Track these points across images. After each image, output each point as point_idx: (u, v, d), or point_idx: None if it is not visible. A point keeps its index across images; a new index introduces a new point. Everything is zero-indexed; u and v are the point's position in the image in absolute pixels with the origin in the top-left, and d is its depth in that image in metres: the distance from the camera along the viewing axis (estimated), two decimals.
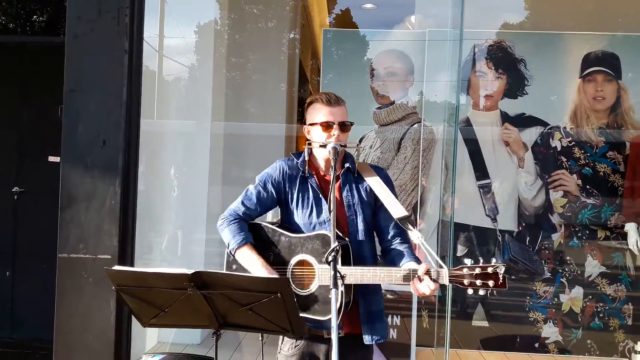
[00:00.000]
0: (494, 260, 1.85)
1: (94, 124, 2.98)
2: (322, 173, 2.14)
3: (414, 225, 2.02)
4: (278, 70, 4.85)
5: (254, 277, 1.79)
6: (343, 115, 2.08)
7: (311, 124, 2.11)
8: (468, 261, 1.83)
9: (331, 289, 1.70)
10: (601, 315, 3.99)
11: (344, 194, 2.11)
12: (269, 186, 2.13)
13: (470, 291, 1.81)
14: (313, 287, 1.98)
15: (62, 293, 2.98)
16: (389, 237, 2.11)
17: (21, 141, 4.39)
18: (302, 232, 2.08)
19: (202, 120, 4.39)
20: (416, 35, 4.29)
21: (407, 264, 1.98)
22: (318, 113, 2.08)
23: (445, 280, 1.85)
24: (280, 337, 2.12)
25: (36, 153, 4.32)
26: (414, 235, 1.97)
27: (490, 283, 1.78)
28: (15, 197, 4.34)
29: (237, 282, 1.71)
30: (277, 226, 2.14)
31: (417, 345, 3.71)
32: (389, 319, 3.73)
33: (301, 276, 2.02)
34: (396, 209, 2.03)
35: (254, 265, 2.02)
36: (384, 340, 2.11)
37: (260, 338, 2.02)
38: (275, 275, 1.98)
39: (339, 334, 1.98)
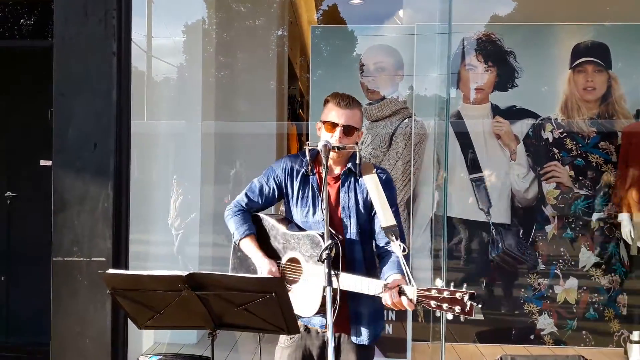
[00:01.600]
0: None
1: (84, 126, 2.96)
2: (328, 174, 2.14)
3: (398, 237, 1.98)
4: (267, 68, 4.84)
5: (249, 278, 1.80)
6: (351, 119, 2.10)
7: (321, 121, 2.16)
8: (439, 282, 1.79)
9: (325, 287, 1.71)
10: (596, 305, 4.02)
11: (342, 195, 2.12)
12: (272, 181, 2.20)
13: (437, 313, 1.77)
14: (298, 285, 2.03)
15: (57, 296, 2.98)
16: (384, 243, 2.11)
17: (12, 146, 4.37)
18: (300, 228, 2.13)
19: (192, 120, 4.38)
20: (405, 30, 4.29)
21: (390, 276, 1.94)
22: (329, 112, 2.12)
23: (413, 297, 1.81)
24: None
25: (27, 157, 4.29)
26: (396, 247, 1.95)
27: (457, 309, 1.71)
28: (8, 201, 4.31)
29: (232, 283, 1.71)
30: (279, 219, 2.20)
31: (413, 340, 3.73)
32: (385, 313, 3.73)
33: (291, 272, 2.07)
34: (385, 217, 2.03)
35: (255, 256, 2.12)
36: (374, 341, 2.12)
37: (258, 336, 2.05)
38: (274, 267, 2.06)
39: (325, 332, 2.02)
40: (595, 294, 4.02)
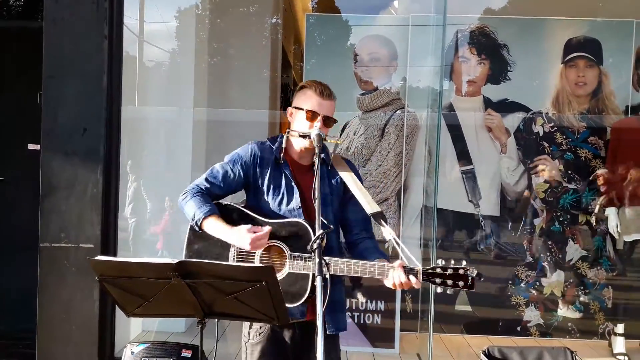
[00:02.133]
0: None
1: (74, 111, 2.93)
2: (295, 160, 2.11)
3: (386, 221, 2.03)
4: (260, 56, 4.80)
5: (239, 266, 1.78)
6: (330, 110, 2.07)
7: (297, 108, 2.08)
8: (440, 261, 1.91)
9: (317, 276, 1.70)
10: (581, 298, 4.07)
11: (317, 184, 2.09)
12: (237, 167, 2.08)
13: (439, 289, 1.90)
14: (282, 274, 1.96)
15: (44, 283, 2.96)
16: (357, 231, 2.13)
17: None
18: (271, 217, 2.04)
19: (184, 106, 4.34)
20: (399, 21, 4.27)
21: (379, 260, 1.96)
22: (307, 100, 2.06)
23: (419, 277, 1.89)
24: (245, 324, 2.10)
25: (15, 141, 4.24)
26: (387, 232, 1.97)
27: (460, 283, 1.87)
28: None
29: (222, 271, 1.70)
30: (246, 207, 2.09)
31: (401, 330, 3.75)
32: (374, 304, 3.76)
33: (271, 261, 2.00)
34: (369, 204, 2.03)
35: (225, 231, 1.96)
36: (342, 331, 2.13)
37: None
38: (254, 228, 1.93)
39: (303, 320, 1.99)
40: (581, 287, 4.07)
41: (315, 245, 1.75)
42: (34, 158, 3.19)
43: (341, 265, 1.93)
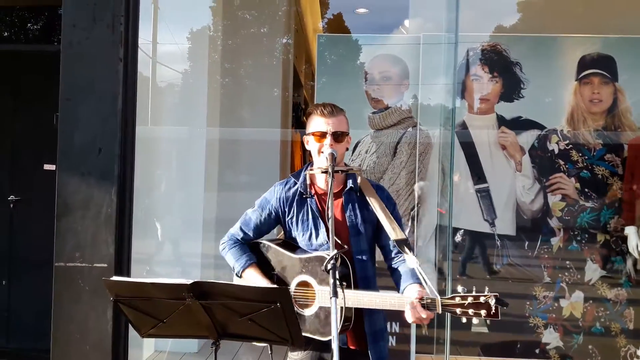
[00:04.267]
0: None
1: (89, 131, 2.96)
2: (321, 192, 2.12)
3: (410, 249, 2.01)
4: (272, 76, 4.84)
5: (254, 287, 1.77)
6: (338, 126, 2.08)
7: (307, 134, 2.13)
8: (460, 289, 1.82)
9: (331, 298, 1.68)
10: (602, 320, 3.98)
11: (347, 213, 2.09)
12: (266, 212, 2.17)
13: (464, 319, 1.81)
14: (313, 309, 1.99)
15: (58, 302, 2.96)
16: (393, 255, 2.10)
17: (16, 149, 4.36)
18: (304, 251, 2.09)
19: (196, 126, 4.38)
20: (410, 40, 4.29)
21: (408, 287, 1.95)
22: (314, 124, 2.10)
23: (438, 309, 1.83)
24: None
25: (31, 161, 4.29)
26: (410, 259, 1.97)
27: (483, 313, 1.76)
28: (11, 205, 4.30)
29: (237, 292, 1.69)
30: (279, 243, 2.15)
31: (416, 352, 3.69)
32: (389, 325, 3.71)
33: (302, 297, 2.03)
34: (395, 230, 2.02)
35: (261, 285, 2.03)
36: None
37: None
38: None
39: (346, 348, 1.97)
40: (602, 308, 3.98)
41: (329, 266, 1.74)
42: (50, 178, 3.22)
43: (364, 298, 1.92)
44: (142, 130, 3.62)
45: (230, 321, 1.75)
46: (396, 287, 2.03)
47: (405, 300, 1.86)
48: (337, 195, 2.11)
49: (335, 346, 1.61)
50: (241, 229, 2.20)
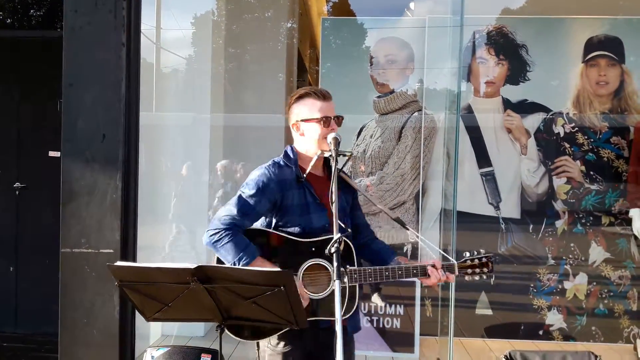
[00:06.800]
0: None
1: (93, 118, 2.96)
2: (311, 172, 2.08)
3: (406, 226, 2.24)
4: (276, 60, 4.81)
5: (258, 271, 1.78)
6: (333, 109, 2.10)
7: (305, 120, 2.07)
8: (466, 254, 2.12)
9: (334, 281, 1.69)
10: (605, 301, 3.99)
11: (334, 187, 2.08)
12: (266, 195, 2.02)
13: (467, 278, 2.11)
14: (329, 290, 2.01)
15: (65, 288, 2.99)
16: (367, 233, 2.25)
17: (21, 137, 4.38)
18: (302, 236, 2.04)
19: (201, 112, 4.37)
20: (416, 23, 4.25)
21: (398, 258, 2.13)
22: (313, 108, 2.06)
23: (455, 271, 2.09)
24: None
25: (36, 148, 4.31)
26: (412, 234, 2.11)
27: (485, 270, 2.10)
28: (17, 192, 4.33)
29: (241, 276, 1.70)
30: (282, 230, 2.07)
31: (421, 334, 3.72)
32: (393, 308, 3.73)
33: (316, 280, 2.02)
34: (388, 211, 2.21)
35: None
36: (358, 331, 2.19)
37: None
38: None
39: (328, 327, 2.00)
40: (605, 290, 3.99)
41: (333, 249, 1.74)
42: (55, 165, 3.23)
43: (374, 273, 2.02)
44: (146, 116, 3.62)
45: (234, 304, 1.76)
46: (374, 260, 2.16)
47: (418, 267, 2.04)
48: (325, 178, 2.12)
49: (338, 328, 1.61)
50: (242, 213, 2.00)
